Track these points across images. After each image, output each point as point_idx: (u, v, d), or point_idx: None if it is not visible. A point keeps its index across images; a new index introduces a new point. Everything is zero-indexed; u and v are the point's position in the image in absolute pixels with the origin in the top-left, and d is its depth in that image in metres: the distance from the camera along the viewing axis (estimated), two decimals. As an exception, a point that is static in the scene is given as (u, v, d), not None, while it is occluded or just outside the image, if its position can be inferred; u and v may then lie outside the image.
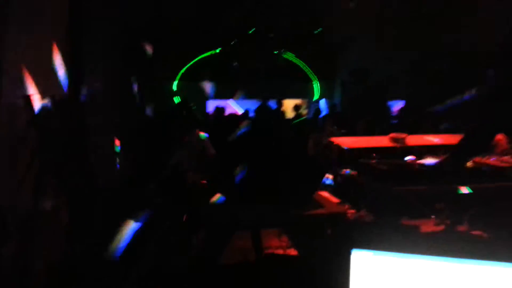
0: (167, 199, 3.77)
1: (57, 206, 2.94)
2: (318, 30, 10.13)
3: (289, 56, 12.35)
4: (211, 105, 12.65)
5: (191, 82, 11.97)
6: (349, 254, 1.29)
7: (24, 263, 2.49)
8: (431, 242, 1.34)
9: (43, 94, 2.75)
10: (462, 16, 6.79)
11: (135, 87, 6.51)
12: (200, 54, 11.67)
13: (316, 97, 12.83)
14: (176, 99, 11.60)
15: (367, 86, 10.15)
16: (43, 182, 2.75)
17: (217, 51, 11.73)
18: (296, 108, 10.42)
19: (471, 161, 3.33)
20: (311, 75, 12.69)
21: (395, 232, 2.53)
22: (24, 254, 2.49)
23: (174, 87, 11.93)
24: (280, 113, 10.38)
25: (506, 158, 3.46)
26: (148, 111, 7.75)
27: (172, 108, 10.52)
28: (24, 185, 2.53)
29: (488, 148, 3.23)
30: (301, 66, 12.53)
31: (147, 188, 3.92)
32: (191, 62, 11.82)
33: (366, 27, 8.83)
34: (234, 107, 12.28)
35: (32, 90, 2.64)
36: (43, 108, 2.71)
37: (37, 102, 2.67)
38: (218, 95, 12.24)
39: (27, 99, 2.56)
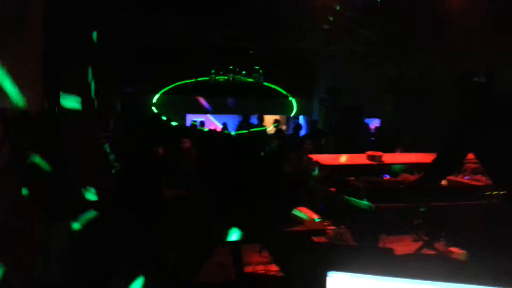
0: (141, 214, 3.70)
1: (32, 223, 2.85)
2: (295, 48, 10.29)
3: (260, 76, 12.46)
4: (189, 119, 12.63)
5: (170, 96, 11.95)
6: (325, 276, 1.30)
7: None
8: (408, 264, 1.37)
9: (17, 109, 2.69)
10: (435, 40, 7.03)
11: (117, 101, 6.45)
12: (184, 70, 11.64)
13: (293, 113, 12.98)
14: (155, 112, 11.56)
15: (342, 104, 10.32)
16: (18, 199, 2.68)
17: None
18: (276, 123, 10.53)
19: (446, 179, 3.42)
20: (286, 92, 12.84)
21: (372, 254, 2.56)
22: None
23: (155, 100, 11.86)
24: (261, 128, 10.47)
25: (478, 176, 3.58)
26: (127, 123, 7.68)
27: (149, 120, 10.47)
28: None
29: (460, 167, 3.33)
30: (280, 82, 12.67)
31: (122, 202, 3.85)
32: (170, 86, 11.80)
33: (341, 45, 9.06)
34: (213, 121, 12.29)
35: (6, 104, 2.59)
36: (17, 123, 2.65)
37: (11, 117, 2.61)
38: (196, 109, 12.24)
39: (1, 112, 2.51)
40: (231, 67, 11.95)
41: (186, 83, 11.87)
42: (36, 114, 2.94)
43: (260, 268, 3.23)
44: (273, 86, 12.56)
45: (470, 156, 3.15)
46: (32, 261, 2.70)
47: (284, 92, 12.66)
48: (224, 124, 11.03)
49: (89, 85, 4.62)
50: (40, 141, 2.90)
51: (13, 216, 2.58)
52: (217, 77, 12.05)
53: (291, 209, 3.15)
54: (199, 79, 11.92)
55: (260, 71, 12.33)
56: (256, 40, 9.19)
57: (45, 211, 2.61)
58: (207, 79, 12.04)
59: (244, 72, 12.20)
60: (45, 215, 2.62)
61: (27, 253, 2.67)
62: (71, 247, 2.39)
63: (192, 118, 12.10)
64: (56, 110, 3.50)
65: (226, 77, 12.05)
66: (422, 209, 3.08)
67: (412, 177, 3.35)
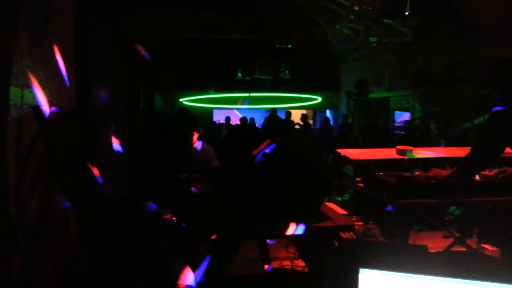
0: (171, 210, 3.75)
1: (66, 213, 2.94)
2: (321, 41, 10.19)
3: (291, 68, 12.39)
4: (216, 114, 12.71)
5: (196, 92, 12.04)
6: (357, 273, 1.29)
7: (33, 271, 2.48)
8: (439, 261, 1.33)
9: (51, 105, 2.77)
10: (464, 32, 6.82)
11: (141, 96, 6.55)
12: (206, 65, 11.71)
13: (322, 108, 12.87)
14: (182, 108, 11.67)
15: (369, 97, 10.15)
16: (51, 192, 2.76)
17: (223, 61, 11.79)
18: (304, 118, 10.45)
19: (479, 174, 3.31)
20: (317, 86, 12.73)
21: (403, 251, 2.50)
22: (33, 262, 2.49)
23: (181, 97, 11.99)
24: (289, 123, 10.42)
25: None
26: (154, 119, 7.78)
27: (177, 116, 10.60)
28: (32, 195, 2.54)
29: (497, 161, 3.21)
30: (305, 77, 12.58)
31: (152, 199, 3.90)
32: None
33: (369, 37, 8.88)
34: (240, 116, 12.32)
35: (41, 101, 2.66)
36: (52, 119, 2.73)
37: (46, 113, 2.68)
38: (223, 104, 12.31)
39: (36, 110, 2.58)
40: (255, 62, 11.94)
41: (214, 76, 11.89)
42: (68, 111, 3.02)
43: (287, 264, 3.23)
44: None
45: (508, 150, 3.03)
46: (65, 256, 2.79)
47: (311, 97, 12.56)
48: (252, 119, 11.04)
49: (120, 81, 4.71)
50: (72, 138, 2.97)
51: (46, 212, 2.66)
52: (241, 73, 12.07)
53: (319, 204, 3.12)
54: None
55: (286, 66, 12.28)
56: (281, 34, 9.12)
57: (77, 207, 2.68)
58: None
59: (269, 67, 12.18)
60: (77, 211, 2.69)
61: (60, 248, 2.76)
62: (100, 242, 2.44)
63: (218, 113, 12.19)
64: (88, 107, 3.60)
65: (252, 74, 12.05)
66: (455, 213, 2.98)
67: (444, 172, 3.25)
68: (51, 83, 2.82)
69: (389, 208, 3.38)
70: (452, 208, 2.98)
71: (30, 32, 2.55)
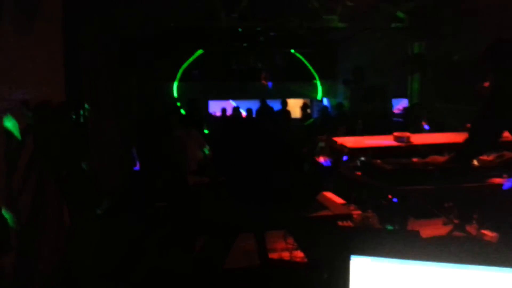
0: (168, 201, 3.72)
1: (59, 209, 2.90)
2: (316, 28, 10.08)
3: (295, 53, 12.27)
4: (212, 105, 12.63)
5: (191, 83, 11.94)
6: (348, 260, 1.28)
7: (27, 269, 2.45)
8: (432, 247, 1.32)
9: (41, 99, 2.71)
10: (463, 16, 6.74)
11: (135, 89, 6.48)
12: (199, 55, 11.62)
13: (319, 96, 12.79)
14: (176, 99, 11.60)
15: (366, 85, 10.09)
16: (44, 187, 2.72)
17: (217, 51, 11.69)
18: (304, 107, 10.35)
19: (477, 159, 3.27)
20: (314, 74, 12.63)
21: (396, 237, 2.48)
22: (27, 260, 2.45)
23: (175, 87, 11.89)
24: (285, 113, 10.32)
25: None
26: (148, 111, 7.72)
27: (173, 107, 10.53)
28: (24, 190, 2.50)
29: (495, 146, 3.17)
30: (305, 64, 12.47)
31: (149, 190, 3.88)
32: (190, 60, 11.75)
33: (366, 23, 8.78)
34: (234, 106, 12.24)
35: (31, 94, 2.60)
36: (42, 113, 2.68)
37: (35, 106, 2.63)
38: (219, 95, 12.20)
39: (26, 104, 2.53)
40: (250, 50, 11.82)
41: (206, 67, 11.81)
42: (58, 104, 2.97)
43: (285, 255, 3.20)
44: (306, 64, 12.33)
45: (506, 134, 2.99)
46: (60, 248, 2.75)
47: (314, 72, 12.43)
48: (249, 110, 10.94)
49: (112, 72, 4.64)
50: (64, 130, 2.92)
51: (40, 203, 2.62)
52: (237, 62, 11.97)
53: (316, 194, 3.08)
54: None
55: (282, 54, 12.17)
56: (274, 21, 8.98)
57: (70, 199, 2.64)
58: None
59: (264, 55, 12.08)
60: (71, 203, 2.65)
61: (54, 244, 2.72)
62: (96, 233, 2.41)
63: (214, 104, 12.10)
64: (80, 99, 3.54)
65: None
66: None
67: (441, 158, 3.21)
68: (41, 75, 2.76)
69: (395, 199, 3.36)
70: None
71: (18, 24, 2.48)
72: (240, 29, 9.39)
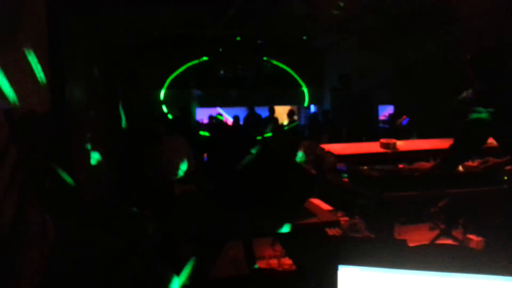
0: (153, 211, 3.68)
1: (43, 220, 2.84)
2: (304, 36, 10.15)
3: (277, 63, 12.37)
4: (200, 113, 12.60)
5: (179, 90, 11.90)
6: (336, 270, 1.27)
7: (10, 283, 2.38)
8: (419, 255, 1.32)
9: (24, 108, 2.66)
10: (445, 23, 6.86)
11: (120, 97, 6.42)
12: (187, 62, 11.62)
13: (306, 103, 12.85)
14: (163, 107, 11.55)
15: (352, 92, 10.17)
16: (27, 197, 2.66)
17: (204, 59, 11.69)
18: (291, 114, 10.40)
19: (462, 165, 3.31)
20: (300, 81, 12.71)
21: (384, 246, 2.48)
22: (9, 273, 2.39)
23: (161, 96, 11.84)
24: (273, 120, 10.35)
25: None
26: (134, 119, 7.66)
27: (159, 115, 10.45)
28: (6, 201, 2.44)
29: (480, 152, 3.22)
30: (290, 72, 12.55)
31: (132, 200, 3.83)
32: (178, 71, 11.75)
33: (350, 32, 8.88)
34: (223, 114, 12.23)
35: (13, 103, 2.55)
36: (24, 122, 2.63)
37: (18, 116, 2.58)
38: (206, 103, 12.19)
39: (8, 113, 2.48)
40: (237, 58, 11.85)
41: (195, 75, 11.80)
42: (43, 114, 2.92)
43: (273, 262, 3.18)
44: (291, 72, 12.38)
45: (490, 140, 3.03)
46: (43, 261, 2.69)
47: (300, 81, 12.51)
48: (236, 117, 10.94)
49: (96, 80, 4.59)
50: (47, 140, 2.87)
51: (22, 217, 2.56)
52: (223, 69, 11.99)
53: (304, 201, 3.08)
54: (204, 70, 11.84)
55: (270, 61, 12.22)
56: (261, 28, 9.03)
57: (53, 211, 2.58)
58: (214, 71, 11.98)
59: (251, 62, 12.12)
60: (54, 215, 2.60)
61: (36, 259, 2.66)
62: (78, 245, 2.36)
63: (201, 112, 12.07)
64: (63, 108, 3.49)
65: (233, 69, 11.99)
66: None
67: (427, 165, 3.25)
68: (23, 84, 2.71)
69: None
70: None
71: (0, 31, 2.44)
72: (227, 37, 9.41)
